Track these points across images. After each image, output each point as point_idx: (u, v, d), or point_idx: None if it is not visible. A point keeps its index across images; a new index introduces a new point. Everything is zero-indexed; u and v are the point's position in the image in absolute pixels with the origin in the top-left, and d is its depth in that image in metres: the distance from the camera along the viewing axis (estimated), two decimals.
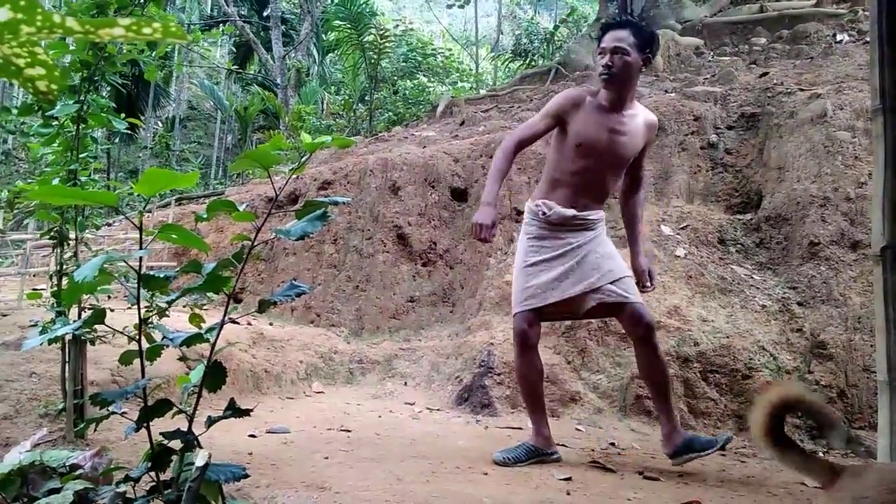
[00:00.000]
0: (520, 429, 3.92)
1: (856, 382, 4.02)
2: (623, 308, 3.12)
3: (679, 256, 5.06)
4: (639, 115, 3.19)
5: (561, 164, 3.22)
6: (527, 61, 15.48)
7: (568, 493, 2.58)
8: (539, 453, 3.13)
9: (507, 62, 17.60)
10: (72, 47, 2.87)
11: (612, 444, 3.68)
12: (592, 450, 3.52)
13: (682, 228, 5.45)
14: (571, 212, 3.15)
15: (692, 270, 4.94)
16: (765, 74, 7.51)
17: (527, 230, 3.30)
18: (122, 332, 1.78)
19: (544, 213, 3.18)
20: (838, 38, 8.68)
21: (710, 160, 6.12)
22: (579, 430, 3.99)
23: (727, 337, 4.32)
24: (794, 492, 2.76)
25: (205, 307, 5.99)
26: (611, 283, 3.11)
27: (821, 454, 3.74)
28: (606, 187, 3.26)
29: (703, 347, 4.25)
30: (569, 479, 2.84)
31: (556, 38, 15.66)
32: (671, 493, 2.71)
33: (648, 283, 3.33)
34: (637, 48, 3.05)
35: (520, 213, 6.47)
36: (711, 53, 9.80)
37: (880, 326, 1.93)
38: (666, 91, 7.83)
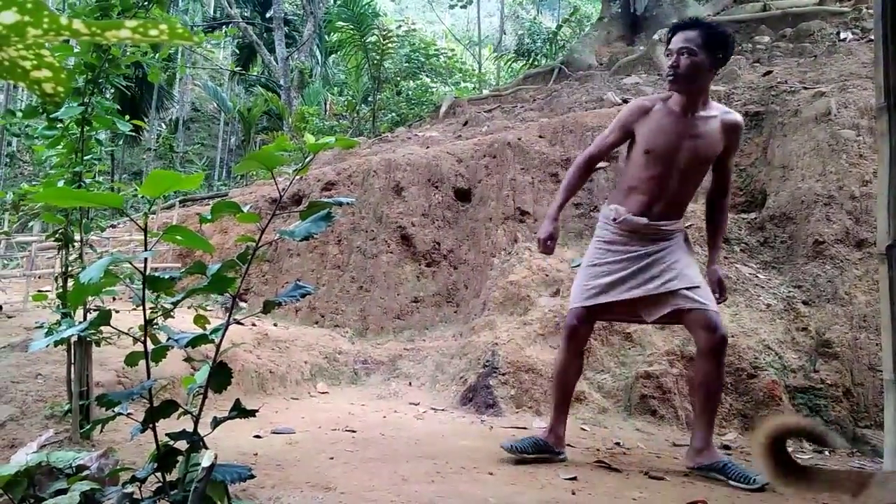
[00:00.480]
0: (525, 428, 3.92)
1: (861, 381, 4.00)
2: (698, 316, 2.97)
3: None
4: (716, 117, 3.03)
5: (633, 172, 3.14)
6: (530, 61, 15.49)
7: (573, 493, 2.58)
8: (547, 450, 3.11)
9: (509, 62, 17.61)
10: (76, 50, 2.88)
11: (618, 443, 3.68)
12: (598, 449, 3.52)
13: (686, 227, 5.44)
14: (644, 220, 3.06)
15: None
16: (768, 73, 7.50)
17: (599, 234, 3.23)
18: (127, 334, 1.79)
19: (615, 219, 3.12)
20: (842, 36, 8.66)
21: None
22: (584, 429, 3.99)
23: (732, 336, 4.31)
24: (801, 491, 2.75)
25: (209, 308, 6.00)
26: (686, 289, 2.98)
27: (827, 453, 3.74)
28: (683, 195, 3.13)
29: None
30: (574, 478, 2.83)
31: (558, 37, 15.67)
32: (677, 492, 2.70)
33: (718, 295, 3.16)
34: (705, 48, 2.91)
35: (524, 213, 6.47)
36: None
37: (886, 325, 1.92)
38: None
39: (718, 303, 3.13)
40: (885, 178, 1.95)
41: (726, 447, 3.68)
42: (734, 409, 4.05)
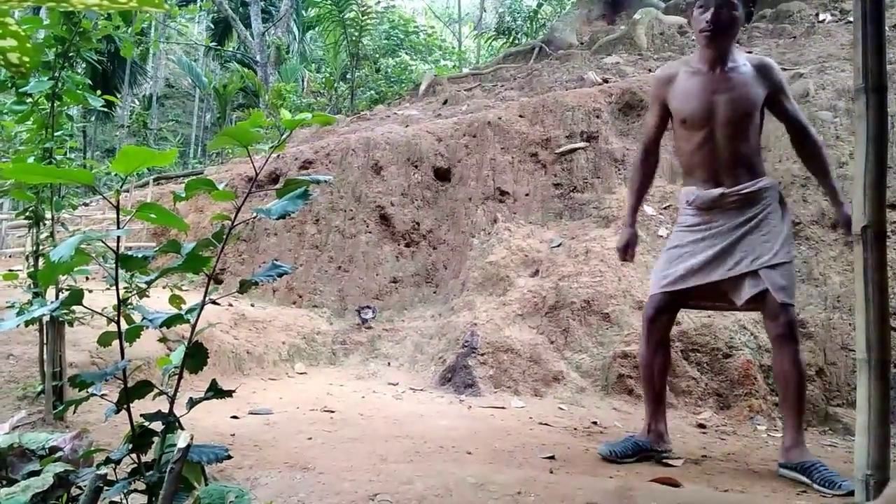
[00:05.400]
0: (503, 408, 3.95)
1: (834, 360, 4.07)
2: (767, 302, 2.77)
3: (662, 236, 5.08)
4: (746, 65, 2.89)
5: (682, 147, 2.99)
6: (510, 39, 15.41)
7: (551, 472, 2.60)
8: (648, 450, 2.93)
9: (490, 40, 17.51)
10: (45, 22, 2.79)
11: (595, 422, 3.71)
12: (575, 428, 3.55)
13: (664, 208, 5.47)
14: (718, 190, 2.85)
15: None
16: (748, 54, 7.52)
17: (680, 220, 3.05)
18: (100, 314, 1.75)
19: (689, 202, 2.95)
20: (821, 17, 8.71)
21: None
22: (562, 409, 4.02)
23: (708, 316, 4.36)
24: (775, 468, 2.80)
25: (184, 288, 5.93)
26: (767, 268, 2.75)
27: None
28: (742, 153, 2.87)
29: (684, 326, 4.28)
30: (552, 457, 2.86)
31: (539, 16, 15.60)
32: (653, 470, 2.74)
33: (846, 232, 2.86)
34: (741, 2, 2.85)
35: (503, 193, 6.46)
36: None
37: (860, 305, 1.95)
38: (649, 70, 7.82)
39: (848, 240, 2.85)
40: (861, 160, 1.96)
41: (702, 426, 3.74)
42: (709, 389, 4.10)
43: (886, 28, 1.97)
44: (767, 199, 2.87)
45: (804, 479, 2.59)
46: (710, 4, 2.83)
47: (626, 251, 3.16)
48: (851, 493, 2.31)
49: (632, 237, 3.15)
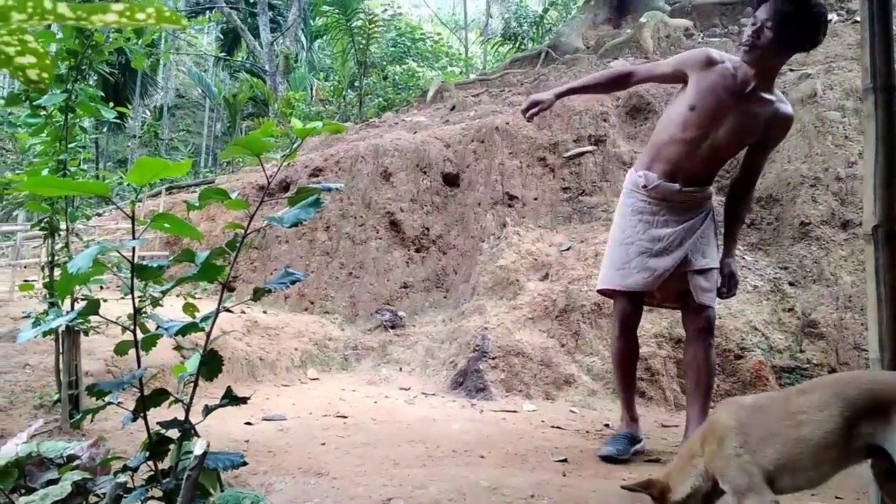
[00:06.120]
0: (515, 412, 3.95)
1: (847, 361, 4.05)
2: (687, 298, 2.90)
3: None
4: (773, 103, 2.82)
5: (669, 130, 2.93)
6: (516, 45, 15.42)
7: (564, 475, 2.60)
8: (638, 440, 3.06)
9: (496, 46, 17.53)
10: (58, 36, 2.83)
11: (607, 425, 3.71)
12: (587, 431, 3.55)
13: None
14: (676, 186, 2.89)
15: None
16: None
17: (626, 201, 3.04)
18: (116, 323, 1.78)
19: (645, 186, 2.94)
20: (828, 17, 8.67)
21: None
22: (574, 412, 4.02)
23: (719, 317, 4.34)
24: None
25: (197, 296, 5.97)
26: (695, 271, 2.87)
27: None
28: (710, 169, 2.94)
29: None
30: (564, 460, 2.86)
31: (545, 21, 15.61)
32: None
33: (725, 290, 2.99)
34: (793, 25, 2.65)
35: (512, 197, 6.47)
36: (701, 35, 9.78)
37: (871, 305, 1.94)
38: None
39: (726, 297, 3.01)
40: (871, 159, 1.96)
41: None
42: (722, 390, 4.09)
43: (894, 28, 1.97)
44: (707, 206, 3.00)
45: None
46: (758, 20, 2.68)
47: (534, 106, 3.06)
48: None
49: (548, 101, 3.07)
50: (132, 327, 1.55)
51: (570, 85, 3.19)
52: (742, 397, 1.92)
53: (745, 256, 5.02)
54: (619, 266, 2.99)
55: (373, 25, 14.18)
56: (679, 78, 2.95)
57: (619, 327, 3.10)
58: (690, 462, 1.76)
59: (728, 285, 2.99)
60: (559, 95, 3.09)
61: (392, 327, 5.88)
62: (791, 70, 6.32)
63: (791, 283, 4.62)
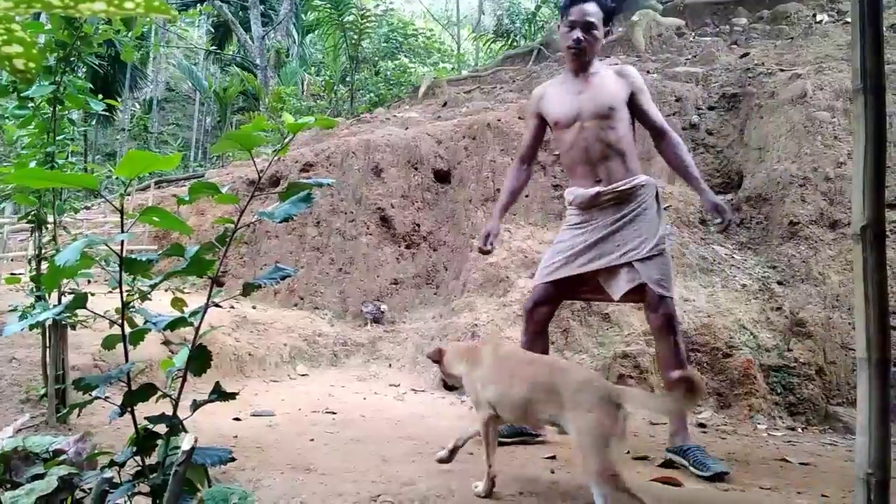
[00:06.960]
0: None
1: (834, 360, 4.08)
2: (644, 291, 2.89)
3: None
4: (606, 70, 3.15)
5: (560, 150, 3.22)
6: (509, 42, 15.43)
7: (552, 472, 2.61)
8: (524, 433, 3.16)
9: (488, 43, 17.53)
10: (47, 27, 2.80)
11: None
12: None
13: (664, 209, 5.47)
14: (594, 190, 3.01)
15: (673, 251, 4.98)
16: (746, 55, 7.54)
17: (566, 219, 3.22)
18: (104, 317, 1.77)
19: (569, 201, 3.15)
20: (818, 18, 8.72)
21: (691, 141, 6.14)
22: None
23: (708, 316, 4.37)
24: (775, 467, 2.80)
25: (185, 291, 5.94)
26: (638, 260, 2.89)
27: (799, 430, 3.81)
28: (611, 150, 3.00)
29: (684, 326, 4.29)
30: (552, 457, 2.87)
31: (537, 18, 15.61)
32: (653, 470, 2.74)
33: (720, 219, 2.90)
34: (602, 22, 3.09)
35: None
36: (693, 34, 9.81)
37: (859, 304, 1.95)
38: (647, 72, 7.83)
39: (723, 226, 2.92)
40: (860, 160, 1.96)
41: (702, 425, 3.74)
42: (710, 388, 4.11)
43: (884, 28, 1.98)
44: (643, 196, 3.03)
45: (683, 460, 2.78)
46: (577, 25, 3.07)
47: (486, 240, 3.24)
48: (721, 475, 2.62)
49: (494, 228, 3.26)
50: (120, 322, 1.54)
51: (499, 205, 3.36)
52: (505, 344, 2.73)
53: (734, 255, 5.04)
54: (545, 265, 3.16)
55: (365, 21, 14.16)
56: (538, 118, 3.28)
57: (524, 322, 3.20)
58: (458, 358, 2.49)
59: (720, 215, 2.91)
60: (499, 218, 3.32)
61: (375, 321, 5.87)
62: (781, 70, 6.35)
63: (779, 283, 4.64)
